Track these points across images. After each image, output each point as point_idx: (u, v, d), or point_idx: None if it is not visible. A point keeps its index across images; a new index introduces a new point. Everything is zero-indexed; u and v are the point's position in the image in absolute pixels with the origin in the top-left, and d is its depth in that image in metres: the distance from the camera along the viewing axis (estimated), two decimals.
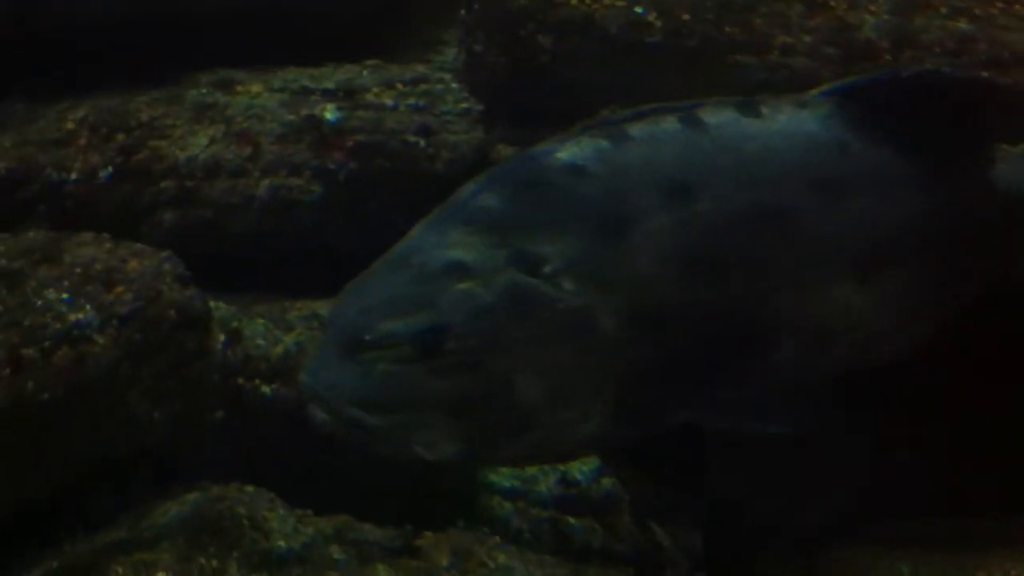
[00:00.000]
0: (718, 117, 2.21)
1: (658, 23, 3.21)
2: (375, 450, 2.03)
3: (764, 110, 2.25)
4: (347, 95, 3.56)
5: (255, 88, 3.60)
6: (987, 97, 2.43)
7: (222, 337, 3.24)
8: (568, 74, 3.31)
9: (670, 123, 2.18)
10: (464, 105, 3.54)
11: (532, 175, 2.12)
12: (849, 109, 2.30)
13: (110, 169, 3.46)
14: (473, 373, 1.98)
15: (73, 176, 3.44)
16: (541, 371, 2.00)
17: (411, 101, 3.55)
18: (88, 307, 2.98)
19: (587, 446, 2.14)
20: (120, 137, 3.48)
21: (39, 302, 2.95)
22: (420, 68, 3.64)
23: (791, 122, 2.26)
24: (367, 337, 1.97)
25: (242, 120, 3.52)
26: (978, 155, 2.41)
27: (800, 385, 2.22)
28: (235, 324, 3.29)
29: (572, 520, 3.12)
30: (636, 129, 2.16)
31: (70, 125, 3.47)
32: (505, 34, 3.41)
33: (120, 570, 2.65)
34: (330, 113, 3.52)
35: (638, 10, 3.16)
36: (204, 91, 3.57)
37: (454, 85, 3.56)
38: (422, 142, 3.48)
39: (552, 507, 3.18)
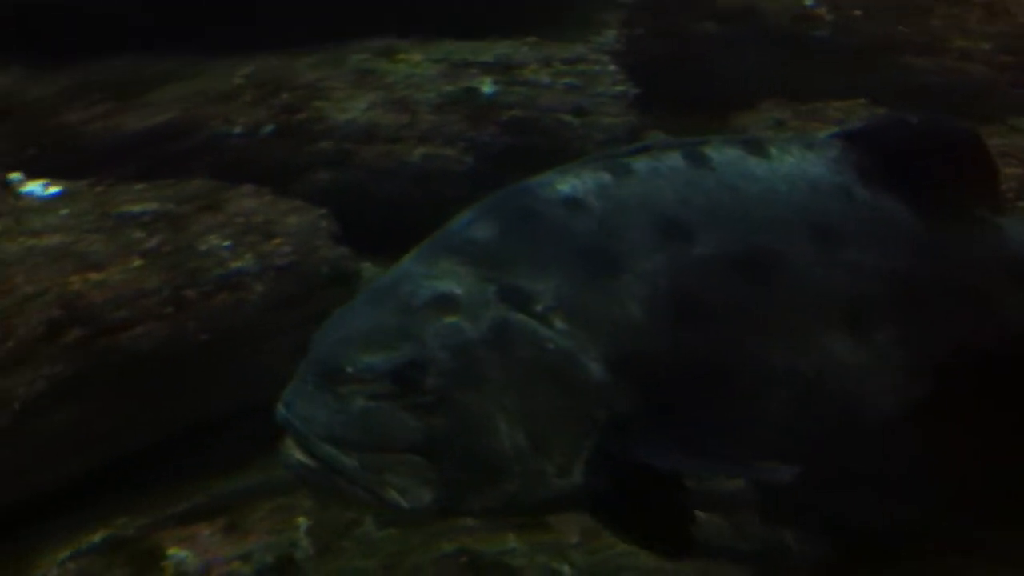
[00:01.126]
0: (723, 155, 2.15)
1: (828, 17, 3.19)
2: (345, 497, 1.93)
3: (772, 150, 2.19)
4: (504, 70, 3.63)
5: (416, 57, 3.68)
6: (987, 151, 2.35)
7: None
8: (728, 63, 3.31)
9: (674, 159, 2.12)
10: (620, 88, 3.57)
11: (528, 207, 2.05)
12: (857, 154, 2.23)
13: (272, 126, 3.58)
14: (452, 413, 1.90)
15: (236, 130, 3.57)
16: (523, 415, 1.93)
17: (567, 80, 3.60)
18: (248, 255, 3.10)
19: (562, 501, 2.02)
20: (284, 96, 3.59)
21: (202, 247, 3.09)
22: (579, 48, 3.69)
23: (797, 165, 2.19)
24: (347, 369, 1.89)
25: (401, 88, 3.61)
26: (984, 208, 2.33)
27: (785, 437, 2.14)
28: None
29: (699, 516, 3.13)
30: (639, 163, 2.11)
31: (237, 81, 3.60)
32: (667, 19, 3.42)
33: (265, 508, 2.74)
34: (487, 87, 3.59)
35: (807, 2, 3.14)
36: (367, 57, 3.67)
37: (612, 67, 3.60)
38: (575, 121, 3.52)
39: None
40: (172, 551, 2.72)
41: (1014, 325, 2.37)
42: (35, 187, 3.28)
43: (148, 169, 3.44)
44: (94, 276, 2.91)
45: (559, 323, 1.94)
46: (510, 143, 3.56)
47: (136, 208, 3.18)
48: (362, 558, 2.71)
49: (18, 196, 3.18)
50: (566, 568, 2.60)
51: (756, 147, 2.18)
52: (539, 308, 1.94)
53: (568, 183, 2.05)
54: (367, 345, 1.90)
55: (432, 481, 1.89)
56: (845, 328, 2.13)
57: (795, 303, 2.11)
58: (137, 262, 2.99)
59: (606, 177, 2.06)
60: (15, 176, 3.28)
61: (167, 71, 3.65)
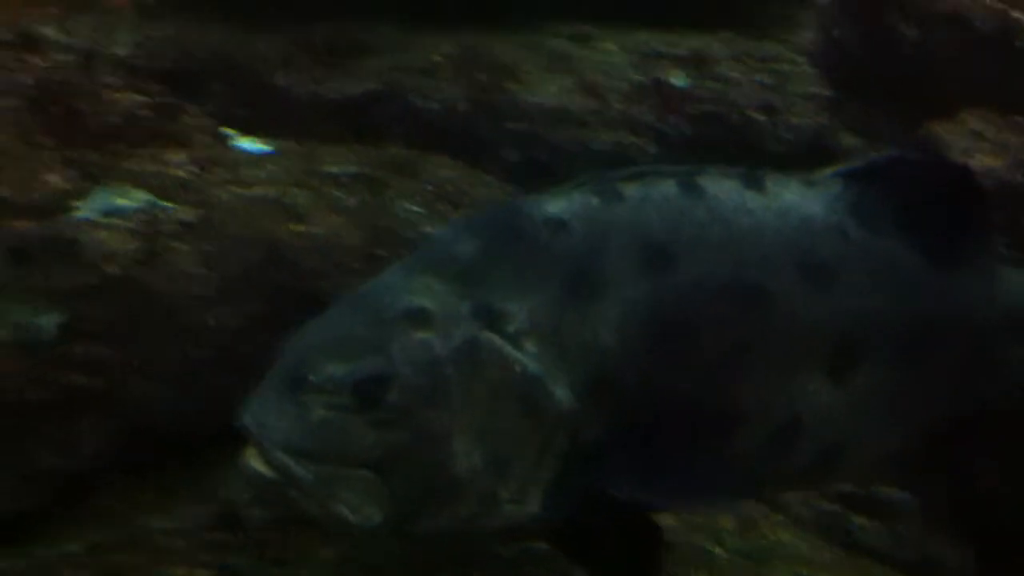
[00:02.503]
0: (718, 186, 2.12)
1: None
2: (298, 508, 1.93)
3: (769, 185, 2.15)
4: (697, 63, 3.72)
5: (609, 45, 3.81)
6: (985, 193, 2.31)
7: None
8: (930, 69, 3.31)
9: (667, 186, 2.10)
10: (813, 89, 3.62)
11: (513, 225, 2.03)
12: (855, 192, 2.18)
13: (466, 103, 3.75)
14: (411, 430, 1.88)
15: (433, 104, 3.76)
16: (483, 437, 1.90)
17: (759, 77, 3.67)
18: (438, 221, 3.26)
19: (516, 528, 1.99)
20: (479, 75, 3.76)
21: (396, 210, 3.26)
22: (772, 46, 3.76)
23: (794, 201, 2.15)
24: (309, 377, 1.88)
25: (593, 74, 3.74)
26: (981, 254, 2.26)
27: (756, 476, 2.09)
28: None
29: (858, 518, 3.14)
30: (631, 189, 2.08)
31: (436, 58, 3.78)
32: (867, 21, 3.45)
33: None
34: (678, 79, 3.68)
35: (1017, 15, 3.12)
36: (561, 42, 3.81)
37: (806, 68, 3.65)
38: (765, 119, 3.59)
39: (839, 502, 3.22)
40: None
41: (1006, 375, 2.28)
42: (246, 143, 3.52)
43: (349, 133, 3.66)
44: (297, 227, 3.12)
45: (530, 345, 1.92)
46: (696, 136, 3.65)
47: (337, 169, 3.38)
48: None
49: (231, 150, 3.43)
50: (718, 550, 2.66)
51: (753, 180, 2.14)
52: (511, 329, 1.92)
53: (556, 204, 2.02)
54: (333, 355, 1.89)
55: (384, 499, 1.87)
56: (825, 369, 2.08)
57: (776, 341, 2.06)
58: (336, 218, 3.18)
59: (594, 201, 2.03)
60: (229, 131, 3.52)
61: (372, 41, 3.86)
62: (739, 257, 2.05)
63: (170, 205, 3.09)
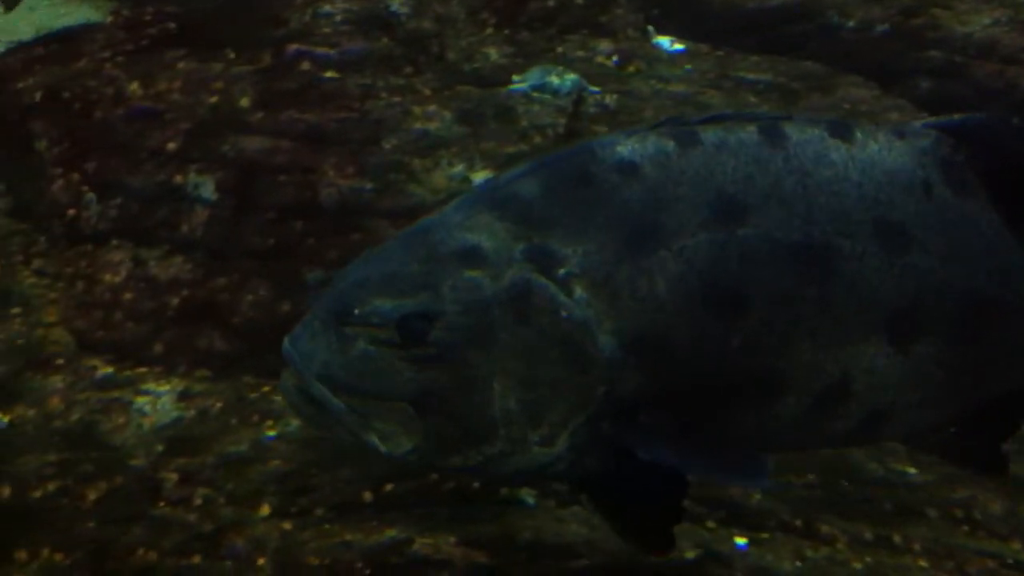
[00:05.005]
0: (803, 134, 2.00)
1: None
2: (328, 432, 1.97)
3: (857, 135, 2.01)
4: None
5: None
6: None
7: None
8: None
9: (748, 133, 1.99)
10: None
11: (581, 167, 1.98)
12: (951, 147, 2.04)
13: (886, 26, 3.72)
14: (451, 369, 1.89)
15: (850, 23, 3.75)
16: (522, 381, 1.89)
17: None
18: None
19: (541, 470, 1.98)
20: None
21: None
22: None
23: (879, 153, 2.01)
24: (354, 311, 1.89)
25: None
26: None
27: (797, 439, 2.02)
28: None
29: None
30: (709, 134, 1.99)
31: None
32: None
33: None
34: None
35: None
36: None
37: None
38: None
39: None
40: None
41: None
42: (663, 41, 3.66)
43: (765, 45, 3.72)
44: None
45: (579, 291, 1.90)
46: None
47: (752, 76, 3.47)
48: None
49: (652, 46, 3.58)
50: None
51: (841, 130, 2.02)
52: (562, 273, 1.90)
53: (629, 146, 1.97)
54: (381, 289, 1.90)
55: (416, 432, 1.90)
56: (885, 335, 1.98)
57: (837, 304, 1.96)
58: None
59: (670, 145, 1.98)
60: (648, 28, 3.67)
61: None
62: (811, 213, 1.96)
63: (595, 89, 3.29)
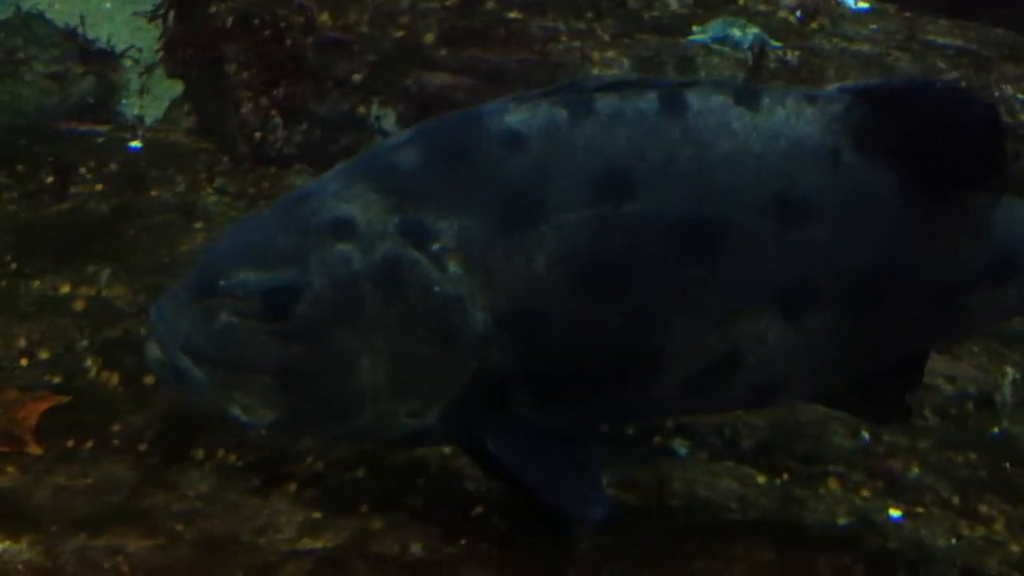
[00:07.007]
0: (706, 102, 1.91)
1: None
2: (191, 402, 1.98)
3: (765, 101, 1.93)
4: None
5: None
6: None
7: None
8: None
9: (647, 101, 1.90)
10: None
11: (465, 136, 1.90)
12: (862, 112, 1.95)
13: None
14: (317, 345, 1.85)
15: None
16: (390, 357, 1.85)
17: None
18: None
19: (414, 440, 1.95)
20: None
21: (996, 93, 3.25)
22: None
23: (786, 120, 1.93)
24: (219, 282, 1.86)
25: None
26: (984, 196, 2.02)
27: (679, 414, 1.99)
28: None
29: None
30: (604, 102, 1.90)
31: None
32: None
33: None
34: None
35: None
36: None
37: None
38: None
39: None
40: None
41: (972, 320, 2.08)
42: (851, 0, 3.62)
43: (955, 8, 3.64)
44: None
45: (453, 266, 1.84)
46: None
47: (941, 40, 3.41)
48: None
49: (837, 3, 3.54)
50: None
51: (747, 96, 1.93)
52: (435, 247, 1.85)
53: (518, 115, 1.90)
54: (248, 261, 1.88)
55: (279, 405, 1.88)
56: (777, 308, 1.92)
57: (725, 280, 1.90)
58: None
59: (561, 115, 1.89)
60: None
61: None
62: (705, 187, 1.89)
63: (777, 44, 3.28)
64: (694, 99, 1.93)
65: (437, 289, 1.86)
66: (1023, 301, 2.09)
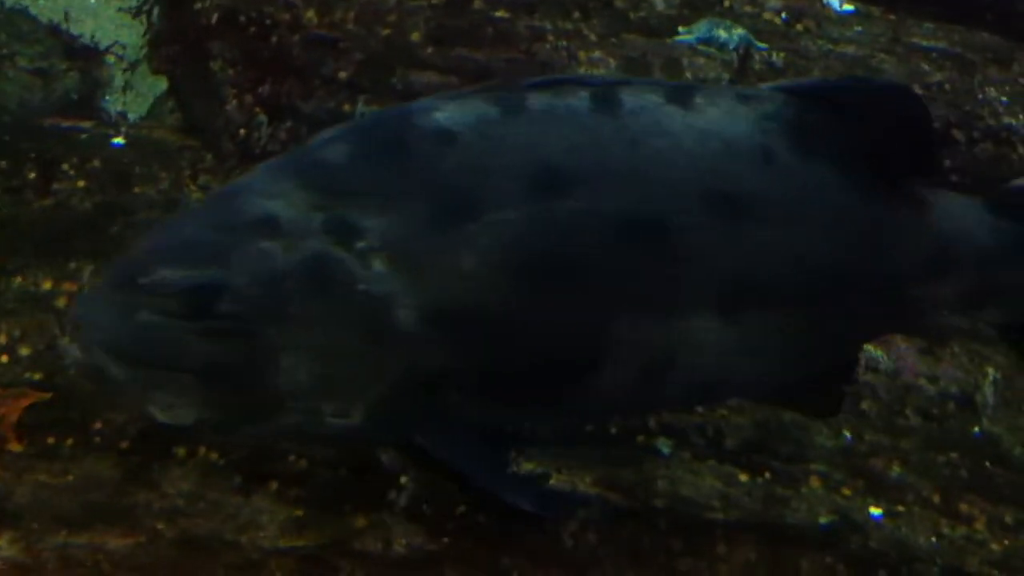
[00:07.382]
0: (638, 100, 1.92)
1: None
2: (113, 398, 1.98)
3: (698, 100, 1.94)
4: None
5: None
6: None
7: None
8: None
9: (579, 99, 1.90)
10: None
11: (395, 133, 1.90)
12: (796, 111, 1.97)
13: None
14: (239, 344, 1.84)
15: None
16: (314, 356, 1.84)
17: None
18: (1022, 116, 3.22)
19: (341, 438, 1.96)
20: None
21: (979, 95, 3.26)
22: None
23: (720, 119, 1.94)
24: (140, 280, 1.84)
25: None
26: (921, 187, 2.05)
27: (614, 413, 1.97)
28: None
29: None
30: (536, 100, 1.90)
31: None
32: None
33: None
34: None
35: None
36: None
37: None
38: None
39: None
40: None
41: (917, 314, 2.09)
42: (833, 1, 3.62)
43: (940, 13, 3.65)
44: None
45: (378, 265, 1.83)
46: None
47: (926, 43, 3.42)
48: None
49: (822, 5, 3.55)
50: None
51: (680, 95, 1.95)
52: (361, 246, 1.83)
53: (448, 112, 1.89)
54: (170, 258, 1.86)
55: (200, 404, 1.87)
56: (715, 308, 1.93)
57: (661, 280, 1.90)
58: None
59: (493, 112, 1.89)
60: None
61: None
62: (638, 185, 1.89)
63: (762, 45, 3.29)
64: (627, 97, 1.93)
65: (361, 287, 1.84)
66: (963, 293, 2.09)
